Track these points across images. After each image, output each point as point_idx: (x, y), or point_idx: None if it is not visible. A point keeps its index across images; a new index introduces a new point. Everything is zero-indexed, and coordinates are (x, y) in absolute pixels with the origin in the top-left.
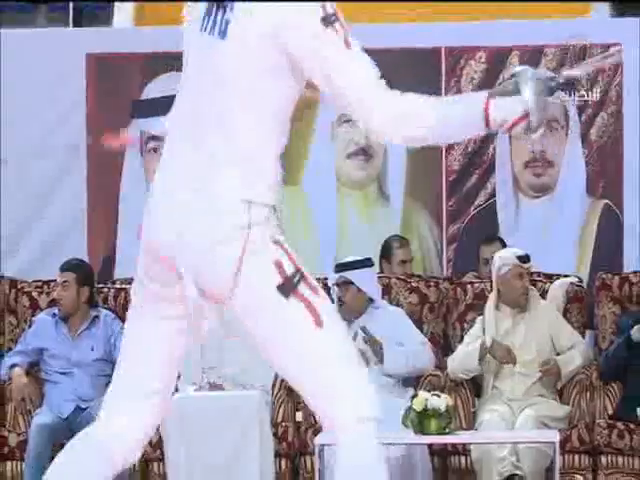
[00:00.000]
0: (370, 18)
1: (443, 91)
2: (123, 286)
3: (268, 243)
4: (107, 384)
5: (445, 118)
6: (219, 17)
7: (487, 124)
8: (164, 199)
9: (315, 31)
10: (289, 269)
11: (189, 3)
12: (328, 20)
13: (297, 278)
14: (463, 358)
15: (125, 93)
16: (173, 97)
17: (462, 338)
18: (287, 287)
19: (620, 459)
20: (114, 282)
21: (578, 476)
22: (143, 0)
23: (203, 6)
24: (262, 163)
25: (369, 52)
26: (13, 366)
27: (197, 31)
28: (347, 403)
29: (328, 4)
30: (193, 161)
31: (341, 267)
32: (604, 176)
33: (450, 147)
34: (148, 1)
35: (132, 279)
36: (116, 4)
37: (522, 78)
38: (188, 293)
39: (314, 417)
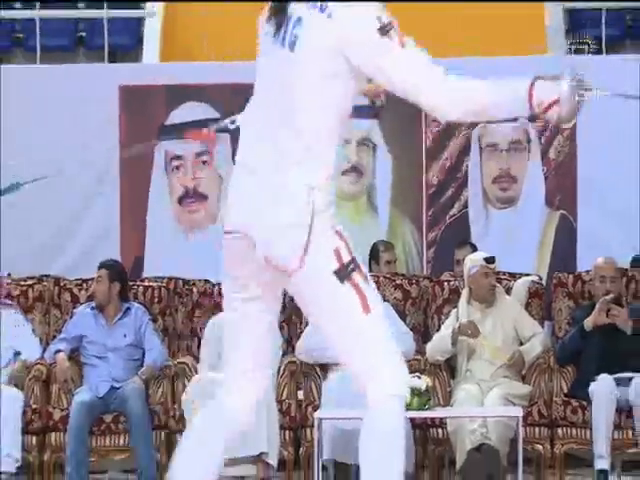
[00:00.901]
0: None
1: (423, 116)
2: (150, 284)
3: (329, 231)
4: (137, 367)
5: (496, 95)
6: (289, 31)
7: (530, 101)
8: (239, 188)
9: (373, 41)
10: (346, 257)
11: (264, 20)
12: (384, 30)
13: (352, 267)
14: (439, 342)
15: (152, 119)
16: (193, 122)
17: (440, 328)
18: (343, 273)
19: (574, 431)
20: (143, 280)
21: (538, 445)
22: (167, 0)
23: (275, 20)
24: (324, 155)
25: None
26: (57, 352)
27: (270, 42)
28: (382, 382)
29: (384, 15)
30: (263, 154)
31: None
32: (560, 190)
33: (429, 165)
34: (170, 1)
35: (158, 277)
36: (144, 44)
37: (567, 77)
38: (260, 261)
39: (313, 395)
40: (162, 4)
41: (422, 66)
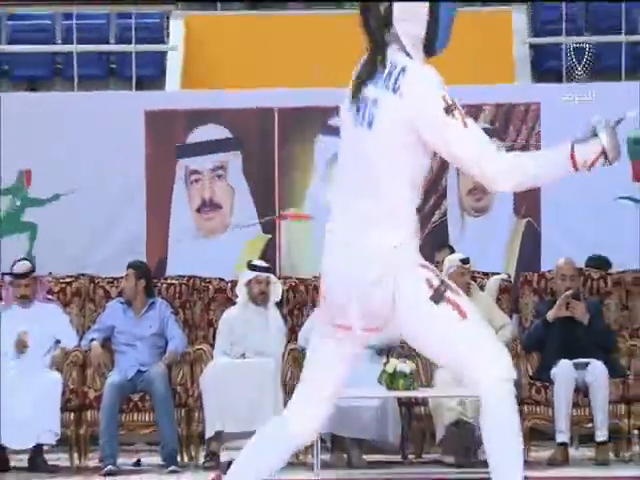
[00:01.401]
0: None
1: None
2: (172, 281)
3: (417, 268)
4: (161, 353)
5: (541, 167)
6: (367, 111)
7: (574, 166)
8: (330, 254)
9: (439, 119)
10: (436, 282)
11: (344, 101)
12: (448, 110)
13: (443, 288)
14: None
15: (173, 139)
16: (210, 142)
17: None
18: (437, 296)
19: (538, 408)
20: (166, 278)
21: None
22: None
23: (354, 102)
24: (404, 217)
25: None
26: (92, 340)
27: (352, 123)
28: (491, 369)
29: (448, 97)
30: (350, 223)
31: None
32: (527, 201)
33: None
34: (186, 0)
35: (179, 276)
36: (167, 74)
37: (599, 126)
38: (355, 324)
39: None
40: (183, 42)
41: (481, 144)
